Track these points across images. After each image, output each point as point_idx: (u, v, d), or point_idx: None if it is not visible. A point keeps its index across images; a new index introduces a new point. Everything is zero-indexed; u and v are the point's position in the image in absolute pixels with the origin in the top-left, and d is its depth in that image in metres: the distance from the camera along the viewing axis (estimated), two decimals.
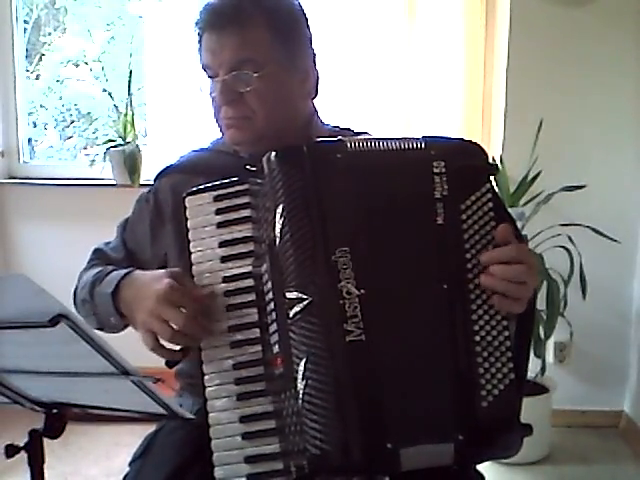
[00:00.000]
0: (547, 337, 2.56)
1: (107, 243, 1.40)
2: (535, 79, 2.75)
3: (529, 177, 2.65)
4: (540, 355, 2.56)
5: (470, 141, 1.09)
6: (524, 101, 2.75)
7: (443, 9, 2.84)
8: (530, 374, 2.65)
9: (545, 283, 2.51)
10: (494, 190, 1.05)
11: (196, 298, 1.07)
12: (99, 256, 1.37)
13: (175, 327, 1.05)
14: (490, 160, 1.08)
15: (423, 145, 1.05)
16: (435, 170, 1.03)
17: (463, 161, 1.05)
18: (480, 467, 1.21)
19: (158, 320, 1.06)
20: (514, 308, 1.02)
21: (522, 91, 2.75)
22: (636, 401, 2.84)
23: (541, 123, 2.66)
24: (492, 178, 1.06)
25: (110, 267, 1.29)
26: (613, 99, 2.77)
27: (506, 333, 1.00)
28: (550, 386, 2.71)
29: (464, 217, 1.02)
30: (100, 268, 1.29)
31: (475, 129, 2.90)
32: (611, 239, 2.54)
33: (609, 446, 2.80)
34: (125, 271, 1.22)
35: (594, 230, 2.53)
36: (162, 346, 1.09)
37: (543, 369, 2.61)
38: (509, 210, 2.67)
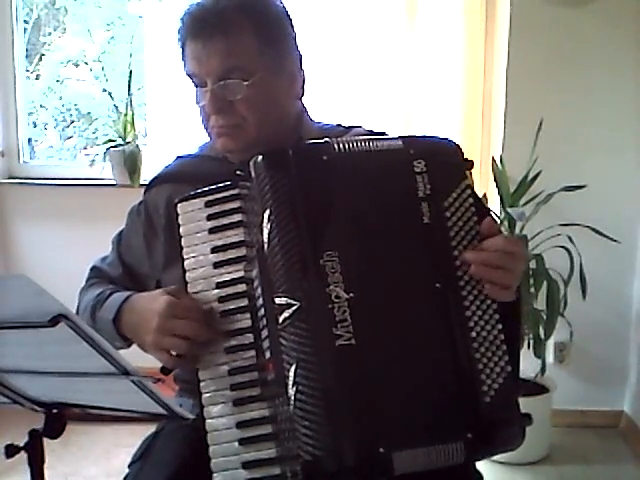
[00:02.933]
0: (547, 337, 2.56)
1: (103, 259, 1.39)
2: (535, 79, 2.75)
3: (529, 177, 2.65)
4: (540, 355, 2.56)
5: (445, 138, 1.10)
6: (524, 101, 2.74)
7: (443, 9, 2.84)
8: (530, 374, 2.65)
9: (545, 283, 2.51)
10: (472, 186, 1.06)
11: (196, 306, 1.08)
12: (97, 274, 1.37)
13: (186, 337, 1.05)
14: (466, 156, 1.09)
15: (401, 144, 1.05)
16: (416, 169, 1.03)
17: (441, 158, 1.05)
18: (480, 467, 1.21)
19: (168, 336, 1.06)
20: (505, 296, 1.02)
21: (522, 91, 2.75)
22: (636, 401, 2.84)
23: (541, 123, 2.66)
24: (468, 173, 1.07)
25: (109, 288, 1.29)
26: (613, 99, 2.77)
27: (499, 326, 1.00)
28: (550, 386, 2.71)
29: (448, 214, 1.02)
30: (100, 290, 1.29)
31: (475, 129, 2.90)
32: (611, 239, 2.54)
33: (609, 446, 2.80)
34: (125, 295, 1.21)
35: (594, 230, 2.53)
36: (183, 358, 1.08)
37: (543, 369, 2.60)
38: (509, 210, 2.68)
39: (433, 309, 1.00)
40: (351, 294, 0.97)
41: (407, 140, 1.06)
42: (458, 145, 1.09)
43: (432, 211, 1.02)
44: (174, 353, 1.08)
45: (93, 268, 1.38)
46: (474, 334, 0.99)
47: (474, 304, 1.00)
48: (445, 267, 1.01)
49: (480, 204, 1.06)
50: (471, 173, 1.17)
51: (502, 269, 1.01)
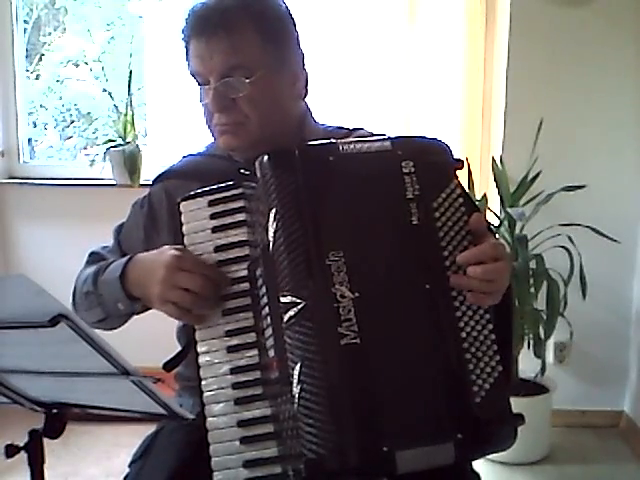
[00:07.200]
0: (547, 337, 2.56)
1: (104, 247, 1.39)
2: (535, 79, 2.75)
3: (529, 177, 2.65)
4: (540, 355, 2.56)
5: (434, 138, 1.10)
6: (524, 101, 2.75)
7: (444, 9, 2.84)
8: (530, 374, 2.66)
9: (545, 283, 2.51)
10: (462, 186, 1.06)
11: (202, 261, 1.09)
12: (95, 259, 1.37)
13: (191, 290, 1.06)
14: (455, 156, 1.08)
15: (390, 145, 1.05)
16: (405, 170, 1.03)
17: (430, 159, 1.05)
18: (480, 467, 1.22)
19: (174, 289, 1.07)
20: (489, 302, 1.02)
21: (522, 91, 2.75)
22: (636, 401, 2.84)
23: (541, 123, 2.66)
24: (458, 173, 1.07)
25: (111, 260, 1.29)
26: (613, 99, 2.77)
27: (490, 326, 1.00)
28: (550, 386, 2.71)
29: (437, 215, 1.02)
30: (100, 264, 1.29)
31: (475, 129, 2.90)
32: (611, 239, 2.54)
33: (609, 446, 2.80)
34: (129, 256, 1.23)
35: (594, 230, 2.53)
36: (188, 311, 1.09)
37: (543, 369, 2.61)
38: (509, 210, 2.68)
39: (424, 310, 1.00)
40: (356, 294, 0.97)
41: (396, 141, 1.06)
42: (447, 145, 1.09)
43: (421, 212, 1.02)
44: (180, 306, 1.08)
45: (92, 253, 1.38)
46: (464, 334, 0.99)
47: (464, 304, 1.00)
48: (435, 268, 1.01)
49: (471, 204, 1.06)
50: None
51: (484, 279, 1.00)
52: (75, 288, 1.32)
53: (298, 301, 0.97)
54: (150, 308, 1.29)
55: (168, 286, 1.08)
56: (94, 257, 1.37)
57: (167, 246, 1.14)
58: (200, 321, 1.10)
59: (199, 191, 1.13)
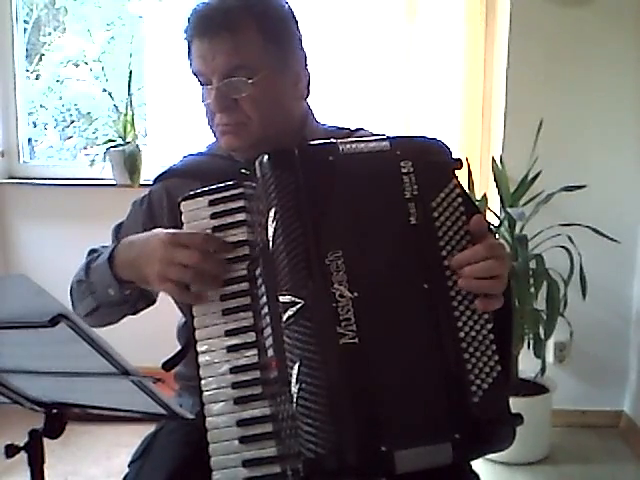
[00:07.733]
0: (547, 337, 2.56)
1: (104, 246, 1.39)
2: (535, 79, 2.75)
3: (529, 177, 2.65)
4: (540, 355, 2.56)
5: (433, 138, 1.09)
6: (524, 101, 2.75)
7: (443, 9, 2.84)
8: (530, 374, 2.66)
9: (545, 283, 2.51)
10: (461, 185, 1.05)
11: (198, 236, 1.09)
12: (94, 256, 1.37)
13: (192, 266, 1.06)
14: (454, 155, 1.08)
15: (388, 145, 1.05)
16: (403, 170, 1.03)
17: (428, 158, 1.05)
18: (480, 467, 1.22)
19: (173, 266, 1.07)
20: (495, 305, 1.01)
21: (522, 91, 2.75)
22: (636, 401, 2.84)
23: (541, 123, 2.66)
24: (457, 173, 1.07)
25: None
26: (613, 99, 2.77)
27: (489, 326, 1.00)
28: (550, 386, 2.71)
29: (436, 214, 1.02)
30: (94, 255, 1.30)
31: (475, 129, 2.90)
32: (611, 239, 2.54)
33: (609, 446, 2.80)
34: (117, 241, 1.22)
35: (594, 230, 2.53)
36: (188, 289, 1.08)
37: (543, 369, 2.60)
38: (509, 210, 2.68)
39: (422, 310, 1.00)
40: (355, 293, 0.98)
41: (394, 141, 1.06)
42: (446, 144, 1.08)
43: (419, 212, 1.02)
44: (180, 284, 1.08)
45: (92, 251, 1.38)
46: (462, 334, 0.99)
47: (463, 304, 1.00)
48: (433, 268, 1.01)
49: (471, 204, 1.06)
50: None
51: (486, 277, 0.99)
52: (72, 283, 1.32)
53: (297, 300, 0.97)
54: (149, 305, 1.29)
55: (167, 263, 1.07)
56: (93, 254, 1.38)
57: (160, 228, 1.14)
58: (201, 300, 1.09)
59: (199, 191, 1.13)
